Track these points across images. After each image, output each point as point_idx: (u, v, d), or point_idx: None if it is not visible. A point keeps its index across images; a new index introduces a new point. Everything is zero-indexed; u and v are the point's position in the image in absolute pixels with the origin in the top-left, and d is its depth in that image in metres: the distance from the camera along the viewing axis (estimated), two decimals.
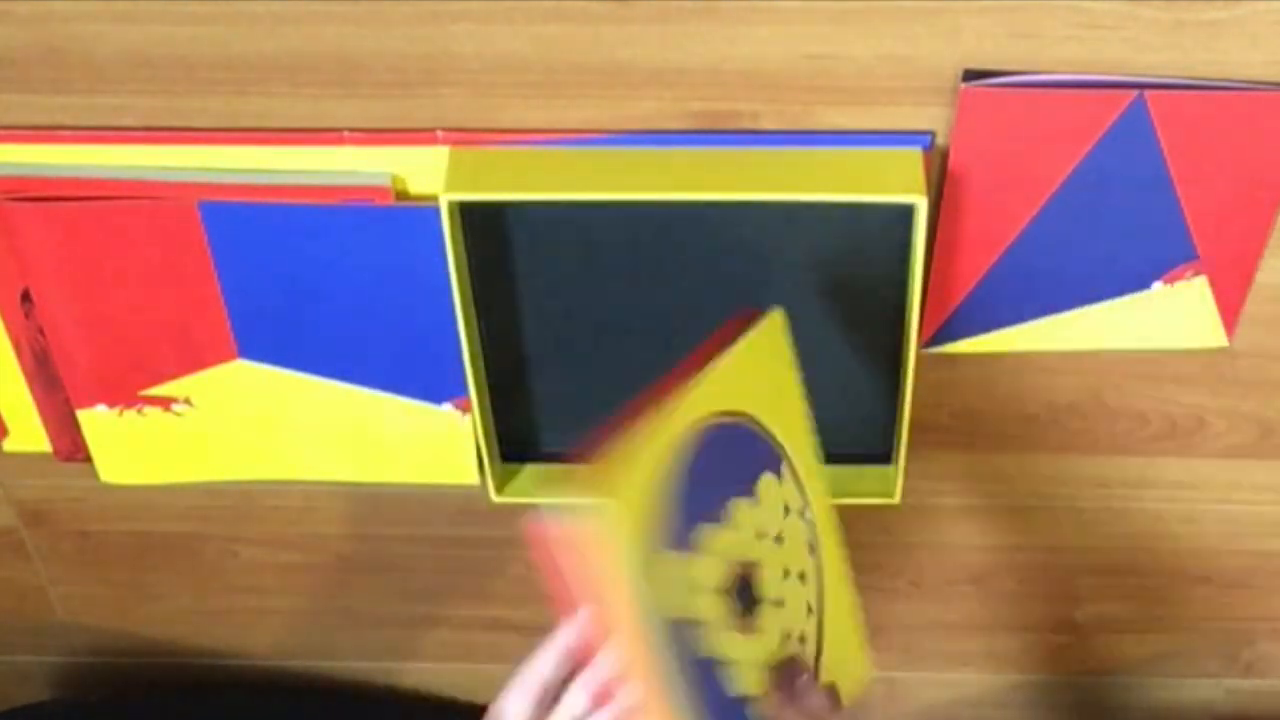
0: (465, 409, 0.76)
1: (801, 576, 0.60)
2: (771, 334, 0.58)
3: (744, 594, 0.57)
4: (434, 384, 0.76)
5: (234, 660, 0.99)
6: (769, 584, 0.58)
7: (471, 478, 0.79)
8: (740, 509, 0.56)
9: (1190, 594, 0.91)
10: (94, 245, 0.70)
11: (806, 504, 0.60)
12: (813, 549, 0.61)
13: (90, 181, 0.68)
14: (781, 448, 0.59)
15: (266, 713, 1.00)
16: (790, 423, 0.59)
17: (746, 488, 0.57)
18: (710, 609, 0.55)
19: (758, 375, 0.57)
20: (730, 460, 0.56)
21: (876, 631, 0.90)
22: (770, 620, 0.58)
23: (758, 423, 0.57)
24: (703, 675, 0.55)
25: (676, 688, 0.54)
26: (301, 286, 0.71)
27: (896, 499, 0.76)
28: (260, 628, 0.96)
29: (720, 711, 0.56)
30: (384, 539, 0.88)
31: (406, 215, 0.68)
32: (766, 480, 0.57)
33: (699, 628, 0.55)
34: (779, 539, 0.58)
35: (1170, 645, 0.95)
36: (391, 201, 0.68)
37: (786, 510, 0.59)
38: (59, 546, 0.91)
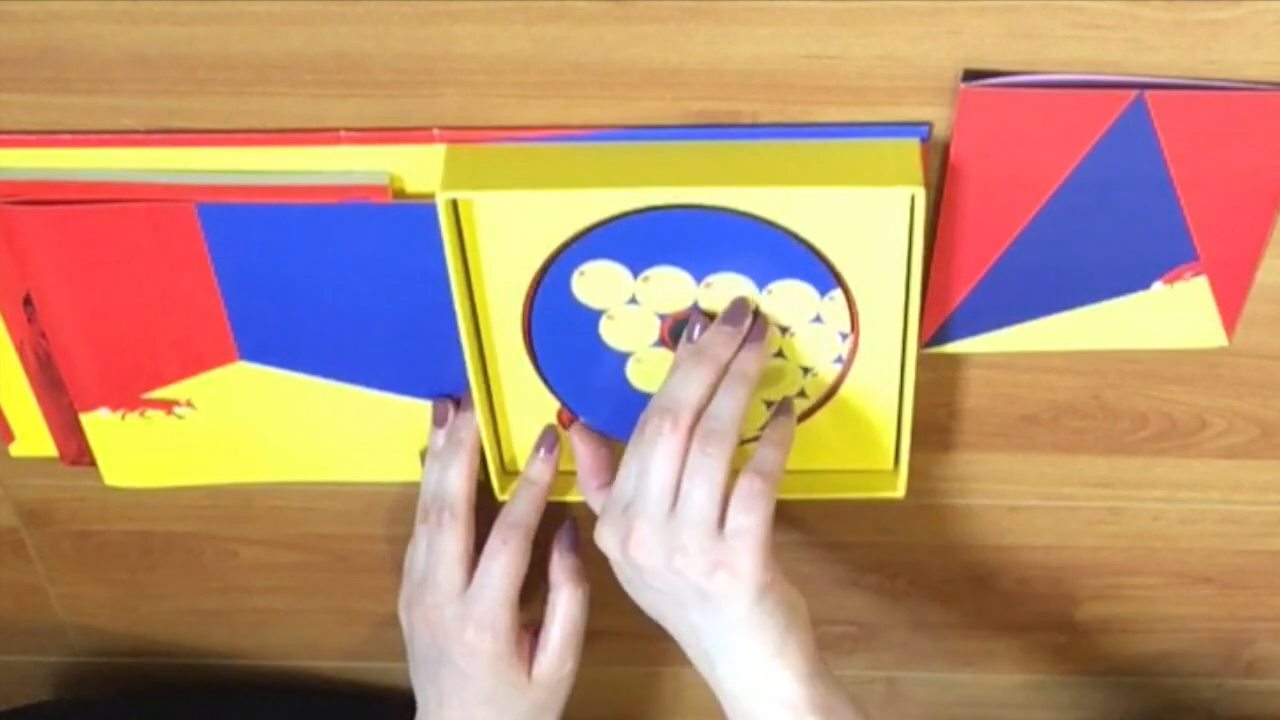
0: (465, 407, 0.76)
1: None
2: None
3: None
4: (434, 383, 0.76)
5: (234, 660, 0.99)
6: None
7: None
8: None
9: (1190, 594, 0.91)
10: (93, 249, 0.70)
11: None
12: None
13: (89, 185, 0.68)
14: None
15: (266, 713, 1.00)
16: None
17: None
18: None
19: None
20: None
21: (876, 631, 0.91)
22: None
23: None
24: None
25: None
26: (301, 288, 0.71)
27: (901, 493, 0.77)
28: (260, 628, 0.96)
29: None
30: (384, 539, 0.88)
31: (404, 214, 0.68)
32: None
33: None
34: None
35: (1170, 645, 0.95)
36: (389, 200, 0.68)
37: None
38: (59, 546, 0.91)
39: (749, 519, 0.66)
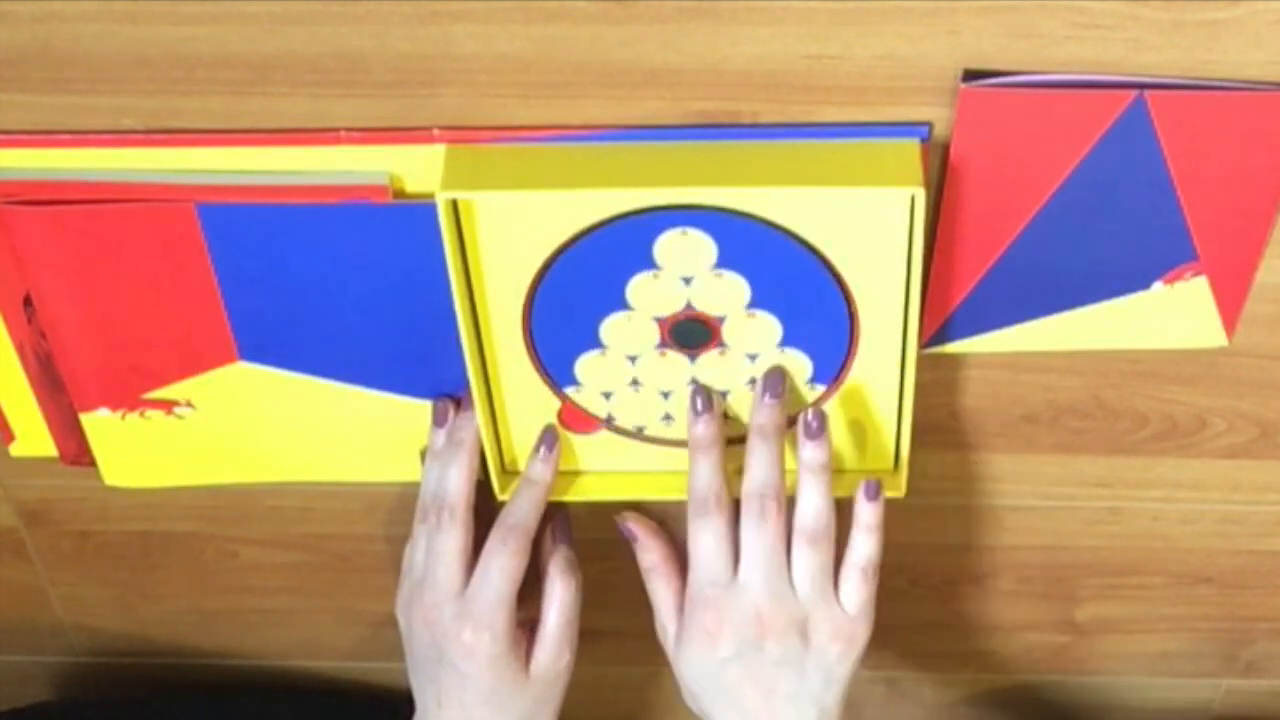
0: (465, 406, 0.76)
1: None
2: None
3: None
4: (434, 383, 0.76)
5: (234, 660, 0.99)
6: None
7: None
8: None
9: (1190, 594, 0.91)
10: (93, 249, 0.70)
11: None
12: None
13: (89, 185, 0.68)
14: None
15: (266, 713, 1.00)
16: None
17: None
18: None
19: None
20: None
21: (876, 631, 0.91)
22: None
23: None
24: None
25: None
26: (300, 288, 0.71)
27: (903, 493, 0.77)
28: (260, 628, 0.96)
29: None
30: (384, 539, 0.88)
31: (404, 214, 0.68)
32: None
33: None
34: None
35: (1170, 645, 0.95)
36: (389, 200, 0.68)
37: None
38: (59, 546, 0.91)
39: (865, 592, 0.74)
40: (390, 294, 0.72)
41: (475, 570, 0.75)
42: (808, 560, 0.72)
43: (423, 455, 0.78)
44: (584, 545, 0.80)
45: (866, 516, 0.74)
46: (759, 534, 0.72)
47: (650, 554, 0.77)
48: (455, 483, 0.75)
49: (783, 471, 0.73)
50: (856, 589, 0.73)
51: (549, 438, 0.76)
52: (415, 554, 0.78)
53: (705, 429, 0.73)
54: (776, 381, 0.72)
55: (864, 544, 0.74)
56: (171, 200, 0.68)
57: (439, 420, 0.76)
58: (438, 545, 0.76)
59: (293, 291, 0.72)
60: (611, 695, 1.01)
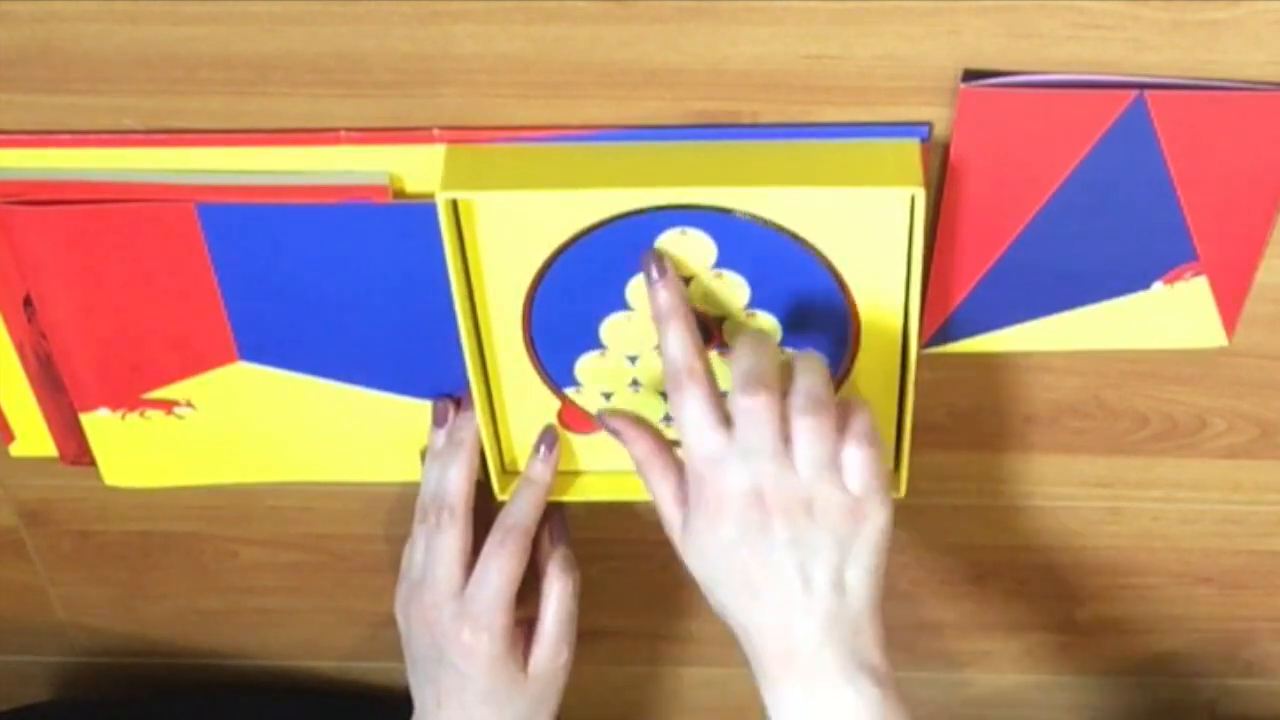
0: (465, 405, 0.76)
1: None
2: None
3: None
4: (434, 383, 0.76)
5: (234, 660, 0.99)
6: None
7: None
8: None
9: (1190, 594, 0.91)
10: (93, 249, 0.70)
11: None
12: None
13: (89, 185, 0.68)
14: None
15: (266, 713, 1.00)
16: None
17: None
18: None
19: None
20: None
21: None
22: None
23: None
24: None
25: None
26: (300, 288, 0.71)
27: (902, 493, 0.77)
28: (260, 628, 0.96)
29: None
30: (383, 539, 0.88)
31: (404, 214, 0.68)
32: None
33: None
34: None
35: (1170, 645, 0.95)
36: (389, 200, 0.68)
37: None
38: (59, 546, 0.91)
39: (861, 447, 0.67)
40: (390, 294, 0.72)
41: (474, 570, 0.75)
42: (804, 441, 0.65)
43: (423, 455, 0.78)
44: (584, 545, 0.80)
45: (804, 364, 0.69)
46: (747, 419, 0.66)
47: (639, 445, 0.72)
48: (455, 483, 0.75)
49: (764, 355, 0.68)
50: (858, 464, 0.66)
51: (549, 438, 0.76)
52: (414, 554, 0.78)
53: (666, 295, 0.67)
54: (655, 261, 0.68)
55: (856, 416, 0.68)
56: (171, 200, 0.68)
57: (439, 420, 0.76)
58: (437, 545, 0.76)
59: (293, 291, 0.72)
60: (611, 695, 1.01)
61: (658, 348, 0.72)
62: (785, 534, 0.66)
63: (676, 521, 0.70)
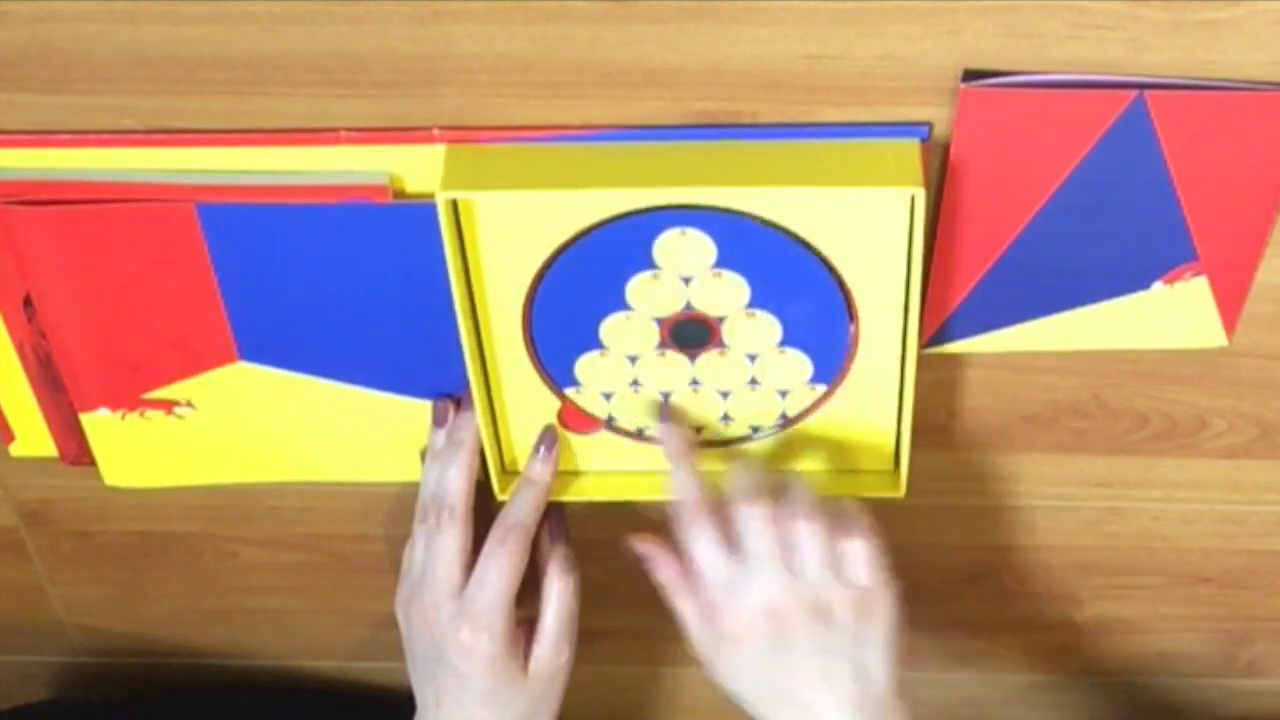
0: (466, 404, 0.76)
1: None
2: None
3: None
4: (434, 383, 0.76)
5: (234, 660, 0.99)
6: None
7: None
8: None
9: (1190, 594, 0.91)
10: (92, 249, 0.70)
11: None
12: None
13: (89, 185, 0.68)
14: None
15: (266, 713, 1.00)
16: None
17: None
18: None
19: None
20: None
21: None
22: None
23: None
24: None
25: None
26: (300, 288, 0.71)
27: (902, 493, 0.77)
28: (260, 628, 0.96)
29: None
30: (384, 539, 0.88)
31: (403, 213, 0.68)
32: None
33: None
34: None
35: (1170, 645, 0.95)
36: (389, 200, 0.68)
37: None
38: (59, 546, 0.91)
39: (858, 541, 0.72)
40: (390, 294, 0.72)
41: (474, 570, 0.75)
42: (805, 544, 0.71)
43: (423, 455, 0.78)
44: (584, 545, 0.80)
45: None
46: (749, 529, 0.71)
47: (665, 569, 0.76)
48: (455, 483, 0.75)
49: (758, 471, 0.73)
50: (860, 558, 0.71)
51: (548, 438, 0.76)
52: (415, 553, 0.78)
53: (674, 440, 0.75)
54: (667, 411, 0.75)
55: (850, 515, 0.73)
56: (171, 200, 0.68)
57: (439, 420, 0.77)
58: (437, 545, 0.76)
59: (292, 291, 0.72)
60: (611, 695, 1.01)
61: (658, 347, 0.72)
62: (806, 642, 0.71)
63: (704, 644, 0.74)
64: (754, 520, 0.71)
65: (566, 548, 0.79)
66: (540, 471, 0.77)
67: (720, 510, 0.72)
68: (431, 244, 0.67)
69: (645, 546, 0.76)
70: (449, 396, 0.77)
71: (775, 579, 0.71)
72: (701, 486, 0.73)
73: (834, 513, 0.72)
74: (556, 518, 0.79)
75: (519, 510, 0.76)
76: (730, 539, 0.72)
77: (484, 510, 0.77)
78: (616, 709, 1.02)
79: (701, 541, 0.72)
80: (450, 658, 0.76)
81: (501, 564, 0.75)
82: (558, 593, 0.78)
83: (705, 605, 0.73)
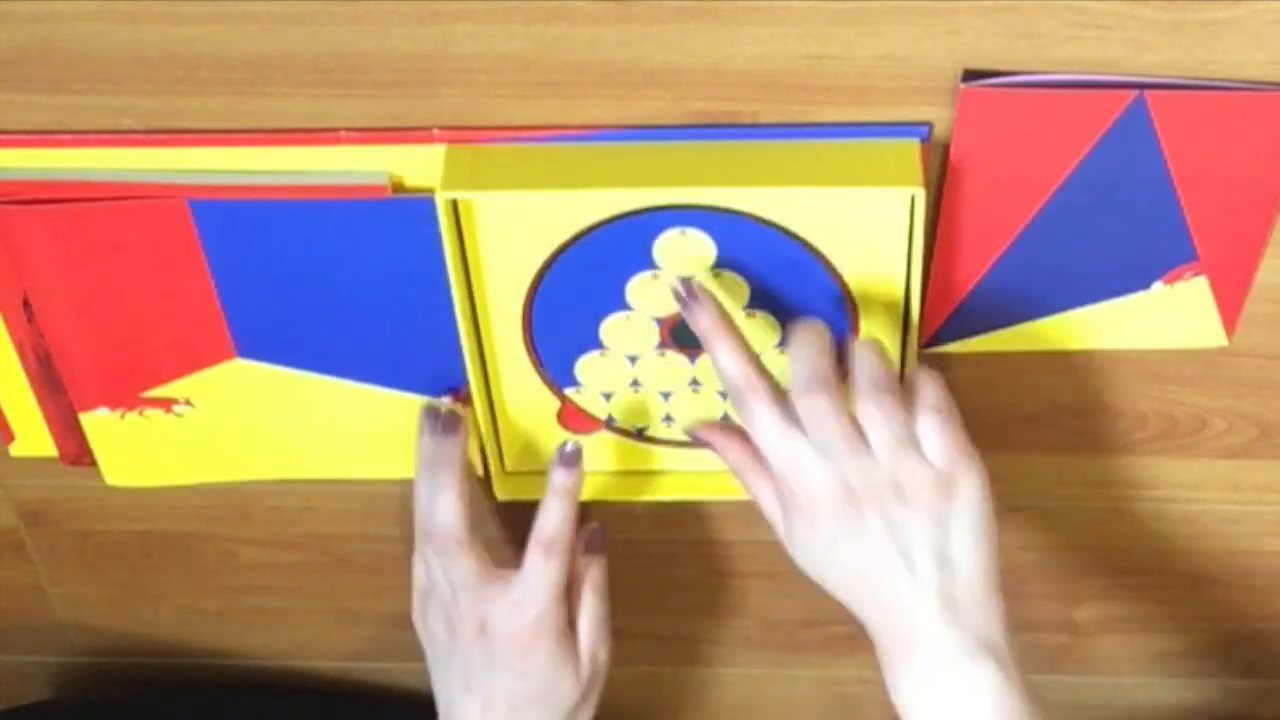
0: (465, 402, 0.76)
1: None
2: None
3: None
4: (433, 379, 0.76)
5: (234, 660, 0.99)
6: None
7: (474, 471, 0.79)
8: None
9: (1190, 594, 0.91)
10: (89, 248, 0.70)
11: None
12: None
13: (88, 185, 0.68)
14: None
15: (266, 713, 1.00)
16: None
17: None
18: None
19: None
20: None
21: None
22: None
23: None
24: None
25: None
26: (297, 284, 0.71)
27: None
28: (260, 628, 0.96)
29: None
30: (384, 539, 0.88)
31: (400, 208, 0.68)
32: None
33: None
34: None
35: (1170, 645, 0.95)
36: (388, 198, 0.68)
37: None
38: (59, 546, 0.91)
39: (933, 416, 0.66)
40: (387, 288, 0.71)
41: (522, 581, 0.74)
42: (875, 426, 0.65)
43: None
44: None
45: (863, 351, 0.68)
46: (812, 422, 0.66)
47: (733, 451, 0.71)
48: (448, 514, 0.74)
49: (819, 352, 0.67)
50: (934, 435, 0.66)
51: (572, 453, 0.74)
52: (431, 571, 0.76)
53: (705, 315, 0.67)
54: (683, 286, 0.68)
55: (925, 388, 0.67)
56: (165, 197, 0.68)
57: (429, 429, 0.75)
58: (455, 576, 0.75)
59: (289, 288, 0.72)
60: (611, 695, 1.01)
61: (658, 348, 0.72)
62: (879, 522, 0.65)
63: (780, 525, 0.69)
64: (816, 413, 0.66)
65: (602, 557, 0.78)
66: (572, 481, 0.75)
67: (778, 389, 0.67)
68: (429, 239, 0.67)
69: (707, 432, 0.72)
70: (446, 392, 0.76)
71: (848, 460, 0.65)
72: (751, 359, 0.67)
73: (907, 386, 0.67)
74: (595, 532, 0.78)
75: (554, 520, 0.74)
76: (793, 418, 0.67)
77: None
78: (616, 709, 1.02)
79: (762, 419, 0.67)
80: (508, 661, 0.75)
81: (550, 577, 0.74)
82: (591, 595, 0.77)
83: (778, 482, 0.68)
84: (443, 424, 0.74)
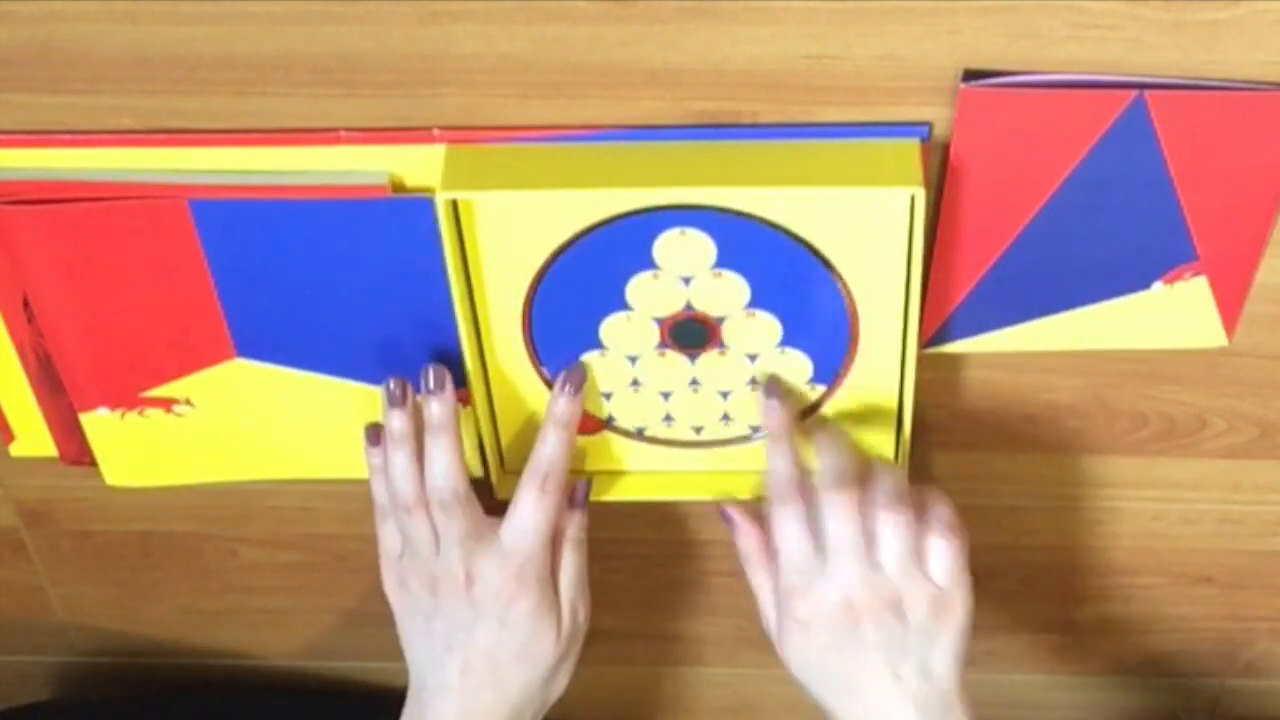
0: (465, 402, 0.76)
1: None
2: None
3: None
4: None
5: (234, 660, 0.99)
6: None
7: (474, 470, 0.79)
8: None
9: (1190, 594, 0.91)
10: (88, 247, 0.70)
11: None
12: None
13: (87, 185, 0.68)
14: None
15: (266, 713, 1.00)
16: None
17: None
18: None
19: None
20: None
21: None
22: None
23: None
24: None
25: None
26: (297, 284, 0.71)
27: None
28: (260, 628, 0.96)
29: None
30: None
31: (401, 208, 0.68)
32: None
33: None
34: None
35: (1170, 645, 0.95)
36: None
37: None
38: (59, 546, 0.91)
39: (942, 537, 0.70)
40: (388, 288, 0.71)
41: (512, 521, 0.74)
42: (888, 536, 0.69)
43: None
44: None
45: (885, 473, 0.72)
46: (832, 515, 0.70)
47: (748, 540, 0.75)
48: (451, 472, 0.73)
49: (847, 456, 0.72)
50: (942, 555, 0.70)
51: (576, 375, 0.74)
52: (414, 531, 0.74)
53: (776, 417, 0.72)
54: (774, 387, 0.73)
55: (939, 506, 0.71)
56: (164, 197, 0.68)
57: (395, 401, 0.73)
58: (452, 532, 0.73)
59: (289, 288, 0.72)
60: (611, 695, 1.01)
61: (658, 347, 0.72)
62: (876, 636, 0.70)
63: (771, 622, 0.74)
64: (838, 508, 0.69)
65: (583, 514, 0.77)
66: (571, 411, 0.74)
67: (811, 494, 0.71)
68: (428, 237, 0.67)
69: (733, 511, 0.76)
70: (400, 377, 0.75)
71: (854, 570, 0.70)
72: (798, 466, 0.72)
73: (920, 504, 0.71)
74: (581, 486, 0.78)
75: (551, 452, 0.74)
76: (815, 524, 0.71)
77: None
78: (616, 709, 1.02)
79: (789, 523, 0.71)
80: (492, 614, 0.74)
81: (544, 514, 0.74)
82: (571, 553, 0.77)
83: (781, 586, 0.72)
84: (434, 379, 0.73)
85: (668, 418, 0.77)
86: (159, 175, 0.68)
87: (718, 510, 0.76)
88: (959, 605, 0.71)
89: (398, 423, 0.73)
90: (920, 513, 0.70)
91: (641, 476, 0.80)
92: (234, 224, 0.69)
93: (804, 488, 0.71)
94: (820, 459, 0.72)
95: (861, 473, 0.71)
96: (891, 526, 0.69)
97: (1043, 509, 0.85)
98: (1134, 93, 0.63)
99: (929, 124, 0.65)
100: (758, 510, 0.74)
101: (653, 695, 1.01)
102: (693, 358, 0.73)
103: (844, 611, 0.70)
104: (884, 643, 0.70)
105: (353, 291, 0.72)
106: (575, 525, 0.77)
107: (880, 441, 0.77)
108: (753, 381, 0.74)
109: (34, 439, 0.81)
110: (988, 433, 0.81)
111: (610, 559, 0.85)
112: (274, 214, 0.68)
